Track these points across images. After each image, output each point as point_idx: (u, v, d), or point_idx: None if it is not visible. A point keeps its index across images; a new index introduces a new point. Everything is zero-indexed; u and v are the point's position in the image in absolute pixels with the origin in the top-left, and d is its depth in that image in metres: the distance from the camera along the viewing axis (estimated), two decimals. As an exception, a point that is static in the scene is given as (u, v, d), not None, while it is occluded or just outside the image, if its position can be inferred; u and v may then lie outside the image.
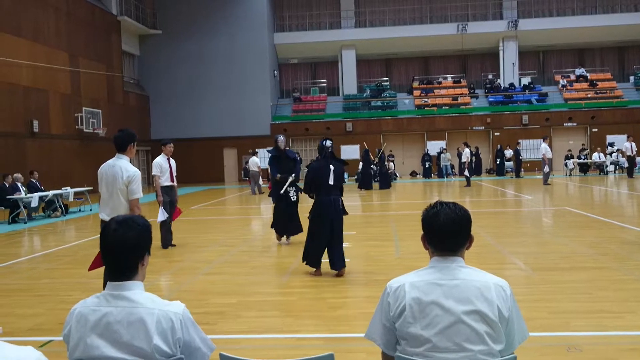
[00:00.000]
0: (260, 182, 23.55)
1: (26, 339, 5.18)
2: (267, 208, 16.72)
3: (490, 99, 35.04)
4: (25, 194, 16.03)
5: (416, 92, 36.16)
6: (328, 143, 7.67)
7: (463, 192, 21.18)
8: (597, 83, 35.30)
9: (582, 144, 31.78)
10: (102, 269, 5.95)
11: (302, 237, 7.91)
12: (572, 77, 36.26)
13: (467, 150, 24.52)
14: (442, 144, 32.72)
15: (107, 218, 5.58)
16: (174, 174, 10.42)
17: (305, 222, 8.69)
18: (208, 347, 2.34)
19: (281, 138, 10.35)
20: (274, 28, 36.11)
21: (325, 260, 7.61)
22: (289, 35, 36.33)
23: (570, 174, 29.10)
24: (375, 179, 25.35)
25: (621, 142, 28.57)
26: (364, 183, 24.27)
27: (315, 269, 7.58)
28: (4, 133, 20.28)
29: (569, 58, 38.28)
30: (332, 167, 7.47)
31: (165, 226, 10.22)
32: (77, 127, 24.93)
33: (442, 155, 30.39)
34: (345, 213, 7.72)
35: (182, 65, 33.59)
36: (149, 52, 33.96)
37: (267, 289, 7.07)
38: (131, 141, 5.73)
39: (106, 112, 27.46)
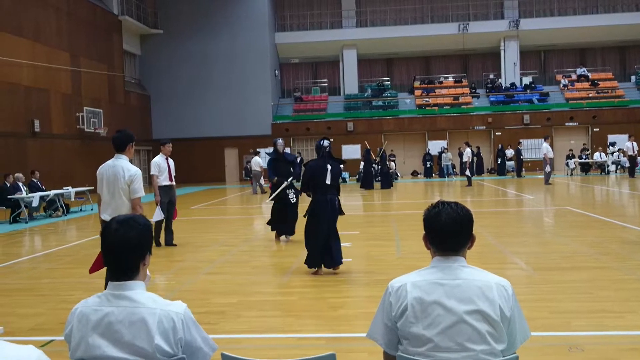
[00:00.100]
0: (262, 181, 23.57)
1: (27, 339, 5.18)
2: (268, 208, 16.72)
3: (492, 99, 35.02)
4: (27, 194, 16.04)
5: (417, 92, 36.13)
6: (325, 143, 7.70)
7: (464, 191, 21.17)
8: (599, 83, 35.27)
9: (584, 144, 31.75)
10: (104, 270, 5.98)
11: (302, 236, 7.89)
12: (574, 76, 36.22)
13: (468, 150, 24.51)
14: (443, 143, 32.71)
15: (108, 218, 5.58)
16: (173, 173, 10.46)
17: (301, 222, 8.69)
18: (210, 346, 2.34)
19: (280, 141, 10.59)
20: (275, 28, 36.11)
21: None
22: (290, 35, 36.33)
23: (572, 174, 29.08)
24: (377, 179, 25.34)
25: (622, 141, 28.55)
26: (366, 183, 24.28)
27: (315, 269, 7.57)
28: (5, 133, 20.29)
29: (570, 58, 38.24)
30: (329, 166, 7.49)
31: (160, 225, 10.26)
32: (78, 126, 24.94)
33: (443, 154, 30.39)
34: (342, 213, 7.71)
35: (183, 65, 33.60)
36: (150, 51, 33.96)
37: (268, 289, 7.07)
38: (130, 141, 5.78)
39: (107, 111, 27.47)
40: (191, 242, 11.00)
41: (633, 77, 36.07)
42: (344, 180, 30.09)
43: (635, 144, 25.52)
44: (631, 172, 25.61)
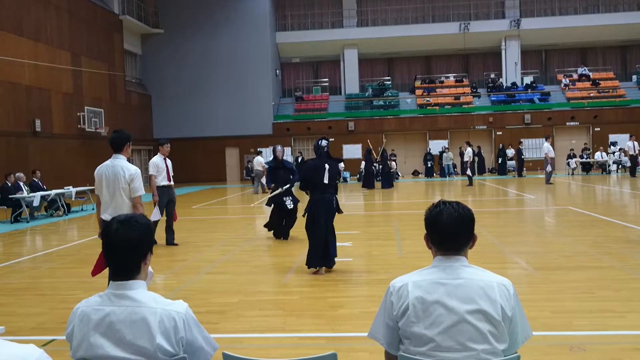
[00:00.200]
0: (264, 181, 23.59)
1: (29, 338, 5.18)
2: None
3: (493, 98, 35.00)
4: (28, 193, 16.06)
5: (418, 92, 36.12)
6: (324, 143, 7.76)
7: (465, 191, 21.17)
8: (600, 82, 35.24)
9: (585, 143, 31.72)
10: (106, 270, 5.99)
11: (303, 234, 7.89)
12: (575, 76, 36.19)
13: (469, 149, 24.50)
14: (444, 143, 32.70)
15: (109, 218, 5.60)
16: (171, 173, 10.52)
17: (299, 223, 8.73)
18: (211, 346, 2.34)
19: (279, 148, 10.89)
20: (276, 27, 36.12)
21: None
22: (291, 35, 36.33)
23: (573, 173, 29.06)
24: (377, 178, 25.34)
25: (624, 141, 28.54)
26: (367, 182, 24.29)
27: (316, 269, 7.58)
28: (7, 132, 20.31)
29: (572, 57, 38.22)
30: (327, 166, 7.55)
31: (156, 225, 10.26)
32: (79, 126, 24.95)
33: (444, 154, 30.38)
34: (340, 211, 7.76)
35: (184, 65, 33.59)
36: (151, 51, 33.97)
37: (269, 288, 7.07)
38: (127, 141, 5.86)
39: (108, 111, 27.47)
40: (192, 241, 11.01)
41: (634, 77, 36.04)
42: (345, 180, 30.11)
43: (636, 143, 25.50)
44: (632, 172, 25.59)
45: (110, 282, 2.30)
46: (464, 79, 37.30)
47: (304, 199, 8.19)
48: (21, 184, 16.30)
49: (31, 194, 16.03)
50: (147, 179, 11.11)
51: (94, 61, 26.68)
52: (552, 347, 4.61)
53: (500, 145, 31.65)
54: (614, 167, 29.23)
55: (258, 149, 26.08)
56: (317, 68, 39.68)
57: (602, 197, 18.36)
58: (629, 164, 26.53)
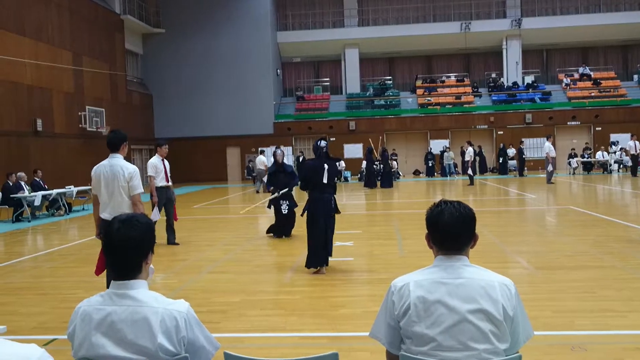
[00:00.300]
0: (265, 179, 23.62)
1: (30, 337, 5.19)
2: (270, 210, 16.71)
3: (494, 98, 34.98)
4: (29, 193, 16.07)
5: (419, 91, 36.10)
6: (322, 143, 7.84)
7: (466, 190, 21.16)
8: (601, 82, 35.20)
9: (586, 143, 31.70)
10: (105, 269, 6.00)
11: (304, 233, 7.90)
12: (576, 75, 36.16)
13: (470, 149, 24.49)
14: (445, 142, 32.69)
15: (108, 217, 5.64)
16: (169, 174, 10.62)
17: (300, 222, 8.75)
18: (213, 345, 2.34)
19: (279, 152, 11.17)
20: (277, 27, 36.12)
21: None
22: (292, 34, 36.33)
23: (574, 173, 29.04)
24: (378, 178, 25.35)
25: (625, 140, 28.51)
26: (369, 182, 24.31)
27: (317, 268, 7.59)
28: (8, 132, 20.32)
29: (573, 57, 38.18)
30: (326, 166, 7.61)
31: (168, 227, 10.50)
32: (80, 125, 24.96)
33: (445, 154, 30.36)
34: (338, 212, 7.79)
35: (185, 64, 33.60)
36: (152, 51, 33.98)
37: (271, 288, 7.07)
38: (124, 141, 5.91)
39: (109, 111, 27.48)
40: (193, 241, 11.02)
41: (635, 76, 35.99)
42: (346, 180, 30.11)
43: (637, 142, 25.46)
44: (633, 171, 25.56)
45: (112, 281, 2.30)
46: (465, 79, 37.27)
47: (304, 202, 8.20)
48: (22, 183, 16.32)
49: (32, 194, 16.04)
50: (146, 180, 11.18)
51: (95, 61, 26.69)
52: (554, 346, 4.61)
53: (501, 144, 31.62)
54: (615, 166, 29.20)
55: (260, 149, 26.08)
56: (318, 67, 39.67)
57: (604, 196, 18.34)
58: (630, 164, 26.50)
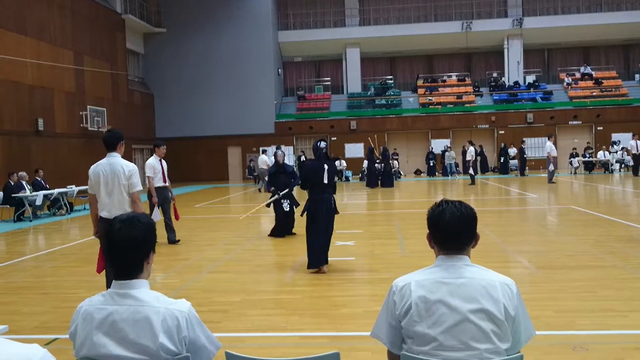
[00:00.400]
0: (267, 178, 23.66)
1: (31, 337, 5.19)
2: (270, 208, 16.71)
3: (495, 97, 34.96)
4: (31, 192, 16.08)
5: (420, 91, 36.10)
6: (322, 144, 7.91)
7: (468, 190, 21.15)
8: (602, 81, 35.17)
9: (587, 142, 31.68)
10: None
11: (303, 232, 7.90)
12: (577, 75, 36.14)
13: (471, 148, 24.48)
14: (446, 142, 32.67)
15: (108, 215, 5.66)
16: (166, 174, 10.73)
17: (300, 222, 8.77)
18: (214, 345, 2.34)
19: (279, 152, 11.28)
20: (279, 26, 36.12)
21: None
22: (293, 34, 36.33)
23: (575, 173, 29.02)
24: (379, 177, 25.33)
25: (626, 140, 28.47)
26: (370, 181, 24.31)
27: (318, 268, 7.59)
28: (9, 131, 20.34)
29: (574, 56, 38.15)
30: (326, 166, 7.67)
31: (167, 226, 10.57)
32: (81, 125, 24.99)
33: (446, 153, 30.33)
34: (336, 212, 7.82)
35: (186, 64, 33.61)
36: (153, 50, 34.00)
37: (271, 287, 7.08)
38: (121, 140, 5.98)
39: (111, 110, 27.50)
40: (195, 240, 11.03)
41: (637, 76, 35.96)
42: (347, 179, 30.11)
43: (639, 142, 25.43)
44: (635, 171, 25.53)
45: (113, 281, 2.30)
46: (467, 78, 37.25)
47: (304, 201, 8.22)
48: (24, 183, 16.33)
49: (34, 193, 16.06)
50: (144, 180, 11.25)
51: (96, 60, 26.71)
52: (555, 346, 4.61)
53: (503, 144, 31.59)
54: (616, 166, 29.17)
55: (262, 148, 26.08)
56: (320, 67, 39.67)
57: (605, 196, 18.33)
58: (631, 163, 26.47)
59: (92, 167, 5.93)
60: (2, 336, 1.70)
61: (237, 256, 9.23)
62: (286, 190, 10.71)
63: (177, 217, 10.77)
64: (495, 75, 36.84)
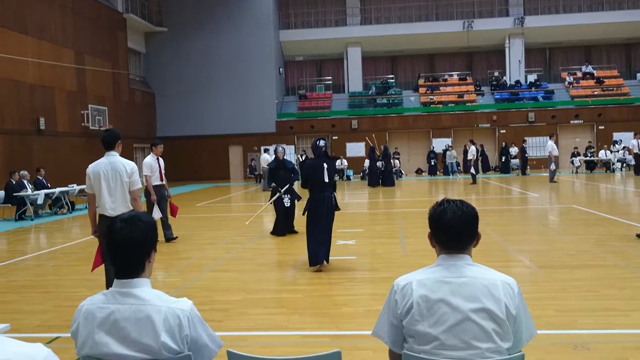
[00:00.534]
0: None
1: (33, 336, 5.20)
2: (271, 207, 16.71)
3: (496, 96, 34.93)
4: (32, 191, 16.10)
5: (422, 90, 36.08)
6: (321, 143, 7.94)
7: (469, 189, 21.14)
8: (604, 80, 35.13)
9: (589, 142, 31.65)
10: (101, 268, 6.03)
11: (304, 231, 7.91)
12: (579, 74, 36.10)
13: (473, 147, 24.46)
14: (447, 141, 32.65)
15: (112, 213, 5.68)
16: (163, 172, 10.79)
17: (300, 221, 8.78)
18: (216, 343, 2.34)
19: (280, 149, 11.35)
20: (280, 25, 36.11)
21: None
22: (295, 33, 36.32)
23: (577, 172, 29.00)
24: (380, 177, 25.33)
25: (628, 139, 28.43)
26: (372, 180, 24.31)
27: (318, 266, 7.60)
28: (11, 130, 20.36)
29: (576, 55, 38.12)
30: (325, 165, 7.69)
31: (163, 224, 10.62)
32: (83, 124, 25.01)
33: (447, 152, 30.32)
34: (338, 209, 7.85)
35: (187, 63, 33.62)
36: (154, 49, 34.01)
37: (273, 286, 7.08)
38: (118, 139, 6.05)
39: (112, 109, 27.52)
40: (196, 239, 11.04)
41: (639, 75, 35.93)
42: (349, 178, 30.11)
43: (640, 141, 25.39)
44: (636, 170, 25.49)
45: (115, 280, 2.31)
46: (468, 77, 37.23)
47: (305, 196, 8.24)
48: (25, 182, 16.35)
49: (35, 192, 16.07)
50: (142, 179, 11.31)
51: (97, 59, 26.72)
52: (556, 345, 4.60)
53: (504, 143, 31.57)
54: (618, 165, 29.15)
55: (265, 147, 26.09)
56: (321, 66, 39.67)
57: (606, 195, 18.32)
58: (633, 162, 26.43)
59: (91, 166, 5.97)
60: (5, 335, 1.70)
61: (239, 255, 9.24)
62: (287, 186, 10.77)
63: (174, 214, 10.86)
64: (496, 74, 36.81)
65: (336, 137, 33.49)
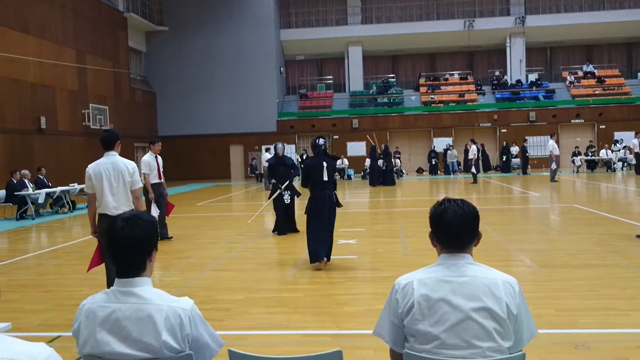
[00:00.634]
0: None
1: (35, 335, 5.21)
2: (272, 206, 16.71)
3: (497, 96, 34.92)
4: (33, 191, 16.11)
5: (423, 89, 36.07)
6: (321, 141, 7.98)
7: (470, 189, 21.14)
8: (605, 79, 35.11)
9: (590, 141, 31.63)
10: (101, 268, 6.04)
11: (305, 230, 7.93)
12: (580, 73, 36.08)
13: (473, 147, 24.46)
14: (448, 140, 32.64)
15: (115, 212, 5.69)
16: (161, 170, 10.79)
17: (301, 219, 8.79)
18: (217, 342, 2.35)
19: (279, 146, 11.38)
20: (280, 24, 36.10)
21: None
22: (295, 32, 36.31)
23: (578, 171, 28.99)
24: (381, 176, 25.32)
25: (629, 139, 28.41)
26: (373, 179, 24.31)
27: (317, 263, 7.62)
28: (12, 130, 20.38)
29: (577, 54, 38.09)
30: (325, 163, 7.70)
31: (160, 222, 10.60)
32: (84, 123, 25.02)
33: (448, 152, 30.31)
34: (340, 205, 7.87)
35: (188, 62, 33.63)
36: (155, 48, 34.02)
37: (274, 286, 7.08)
38: (118, 139, 6.10)
39: (113, 108, 27.53)
40: (197, 238, 11.04)
41: (639, 74, 35.89)
42: (349, 178, 30.11)
43: (641, 141, 25.36)
44: (637, 170, 25.45)
45: (116, 279, 2.31)
46: (469, 77, 37.22)
47: (305, 192, 8.26)
48: (26, 181, 16.36)
49: (36, 191, 16.09)
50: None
51: (98, 59, 26.73)
52: (557, 345, 4.61)
53: (505, 142, 31.56)
54: (619, 164, 29.13)
55: (266, 147, 26.08)
56: (322, 65, 39.66)
57: (607, 194, 18.31)
58: (634, 162, 26.41)
59: (91, 166, 5.98)
60: (7, 334, 1.71)
61: (239, 254, 9.24)
62: (287, 182, 10.79)
63: (167, 213, 10.89)
64: (497, 73, 36.79)
65: (337, 137, 33.49)
